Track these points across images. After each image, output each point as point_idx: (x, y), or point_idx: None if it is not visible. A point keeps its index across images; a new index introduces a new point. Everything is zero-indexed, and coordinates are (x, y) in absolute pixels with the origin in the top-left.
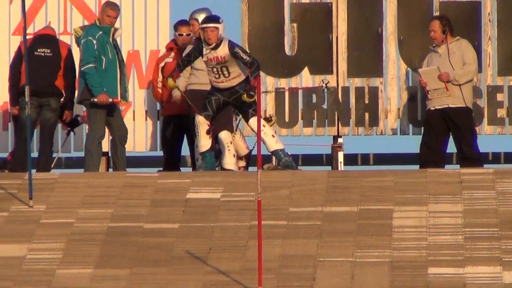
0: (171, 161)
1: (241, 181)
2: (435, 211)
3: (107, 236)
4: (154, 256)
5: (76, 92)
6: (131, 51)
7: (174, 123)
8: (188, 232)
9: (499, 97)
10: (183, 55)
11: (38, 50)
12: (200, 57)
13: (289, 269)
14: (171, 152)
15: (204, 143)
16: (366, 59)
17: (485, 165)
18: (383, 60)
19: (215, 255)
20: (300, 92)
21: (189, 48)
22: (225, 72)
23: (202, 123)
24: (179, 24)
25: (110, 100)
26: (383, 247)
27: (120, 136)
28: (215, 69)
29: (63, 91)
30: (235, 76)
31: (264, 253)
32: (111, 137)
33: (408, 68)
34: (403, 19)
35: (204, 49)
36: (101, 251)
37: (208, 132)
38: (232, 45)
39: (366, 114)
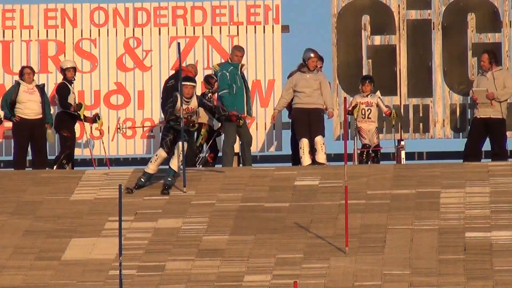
0: (295, 156)
1: (332, 172)
2: (470, 192)
3: (238, 212)
4: (271, 226)
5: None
6: (254, 80)
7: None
8: (295, 209)
9: None
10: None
11: (169, 82)
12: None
13: (367, 235)
14: (296, 149)
15: (154, 169)
16: (420, 85)
17: (509, 159)
18: (432, 85)
19: (315, 225)
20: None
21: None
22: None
23: (161, 156)
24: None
25: (239, 116)
26: (433, 218)
27: (246, 141)
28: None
29: None
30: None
31: (349, 223)
32: (240, 142)
33: (450, 91)
34: (446, 55)
35: (178, 100)
36: (234, 223)
37: (159, 164)
38: (201, 98)
39: (421, 124)
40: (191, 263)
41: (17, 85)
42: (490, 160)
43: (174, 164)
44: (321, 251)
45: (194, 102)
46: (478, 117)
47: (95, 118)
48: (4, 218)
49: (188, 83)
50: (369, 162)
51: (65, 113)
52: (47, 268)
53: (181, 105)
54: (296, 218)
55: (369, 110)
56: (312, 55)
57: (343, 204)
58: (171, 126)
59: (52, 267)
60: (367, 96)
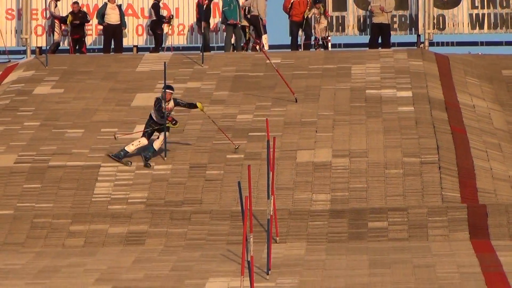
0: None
1: (289, 55)
2: (369, 66)
3: (234, 78)
4: (253, 86)
5: (220, 18)
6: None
7: (297, 25)
8: (267, 76)
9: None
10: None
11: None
12: None
13: (308, 91)
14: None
15: (133, 150)
16: (340, 3)
17: (392, 48)
18: (347, 3)
19: (278, 85)
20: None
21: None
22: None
23: (143, 143)
24: None
25: (235, 22)
26: (347, 82)
27: (239, 36)
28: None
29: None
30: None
31: (297, 85)
32: (235, 37)
33: (357, 7)
34: None
35: (162, 102)
36: (232, 85)
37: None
38: (175, 100)
39: (340, 27)
40: (207, 108)
41: (105, 5)
42: (380, 48)
43: (156, 145)
44: (282, 102)
45: (171, 103)
46: (374, 22)
47: (170, 17)
48: (97, 81)
49: (168, 91)
50: (319, 49)
51: (157, 20)
52: (121, 110)
53: (164, 105)
54: (267, 82)
55: (319, 18)
56: None
57: (295, 74)
58: (154, 120)
59: (125, 110)
60: (317, 10)
